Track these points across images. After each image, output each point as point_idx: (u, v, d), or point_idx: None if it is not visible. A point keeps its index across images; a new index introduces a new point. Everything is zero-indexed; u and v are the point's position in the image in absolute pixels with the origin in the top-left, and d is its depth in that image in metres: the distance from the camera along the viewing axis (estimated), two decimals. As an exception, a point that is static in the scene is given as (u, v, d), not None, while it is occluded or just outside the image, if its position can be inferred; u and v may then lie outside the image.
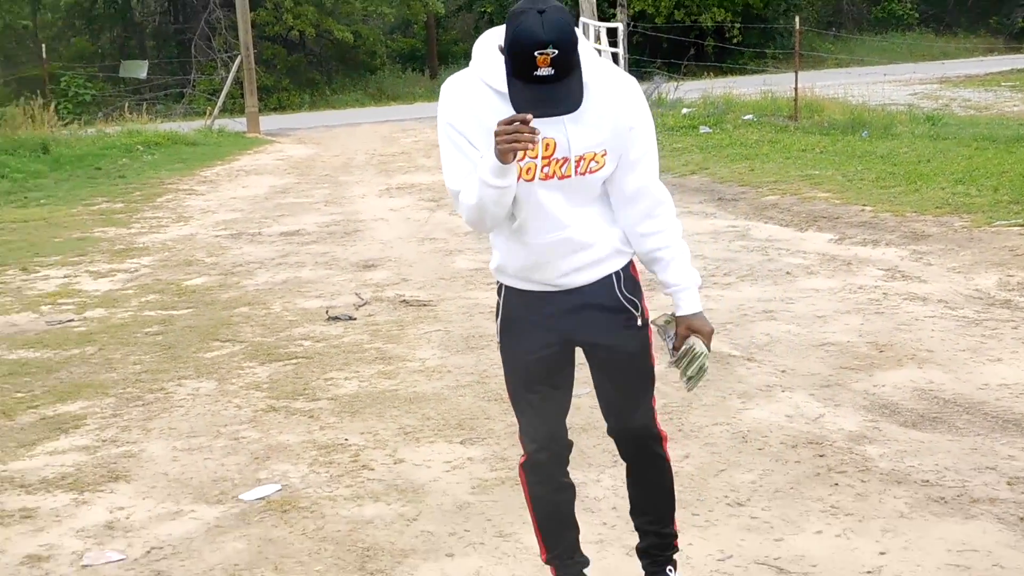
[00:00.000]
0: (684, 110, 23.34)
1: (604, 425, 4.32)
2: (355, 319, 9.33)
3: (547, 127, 3.79)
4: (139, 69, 37.42)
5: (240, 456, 6.42)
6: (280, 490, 5.90)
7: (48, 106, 25.21)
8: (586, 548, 4.51)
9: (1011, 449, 5.97)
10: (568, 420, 4.26)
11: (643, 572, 4.49)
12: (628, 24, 25.01)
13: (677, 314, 4.12)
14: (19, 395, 7.78)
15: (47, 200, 17.55)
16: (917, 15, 46.84)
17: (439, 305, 9.63)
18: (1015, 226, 11.19)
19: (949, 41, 42.19)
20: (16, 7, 45.00)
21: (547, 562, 4.43)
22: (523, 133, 3.61)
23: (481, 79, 3.88)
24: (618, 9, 24.46)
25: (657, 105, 24.26)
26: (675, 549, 4.50)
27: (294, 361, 8.24)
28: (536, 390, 4.14)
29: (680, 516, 5.23)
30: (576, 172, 3.88)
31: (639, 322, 4.12)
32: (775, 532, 5.12)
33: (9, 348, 9.02)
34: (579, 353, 4.17)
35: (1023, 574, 4.67)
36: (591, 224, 4.00)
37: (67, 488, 6.10)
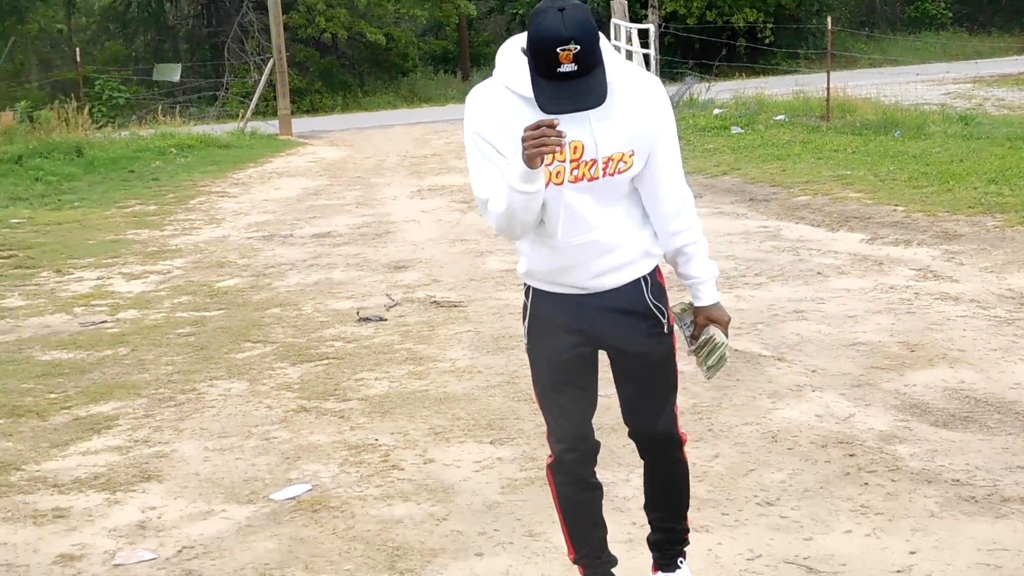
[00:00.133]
0: (716, 111, 23.29)
1: (632, 425, 4.34)
2: (386, 320, 9.36)
3: (574, 130, 3.82)
4: (172, 72, 37.62)
5: (271, 456, 6.46)
6: (311, 490, 5.93)
7: (82, 109, 25.35)
8: (614, 548, 4.51)
9: (1043, 449, 5.95)
10: (597, 420, 4.27)
11: (652, 561, 4.55)
12: (659, 25, 24.98)
13: (697, 304, 4.22)
14: (52, 396, 7.83)
15: (81, 202, 17.66)
16: (951, 14, 46.59)
17: (469, 306, 9.64)
18: (1048, 225, 11.14)
19: (983, 40, 41.92)
20: (51, 11, 45.33)
21: (575, 562, 4.44)
22: (550, 137, 3.64)
23: (505, 85, 3.90)
24: (649, 10, 24.42)
25: (689, 106, 24.24)
26: (686, 543, 4.55)
27: (325, 362, 8.27)
28: (564, 391, 4.17)
29: (709, 515, 5.27)
30: (605, 173, 3.90)
31: (665, 328, 4.17)
32: (804, 531, 5.11)
33: (43, 349, 9.08)
34: (601, 354, 4.19)
35: (1054, 574, 4.66)
36: (620, 226, 4.03)
37: (99, 488, 6.14)
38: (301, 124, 29.59)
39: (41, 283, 11.66)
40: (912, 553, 4.85)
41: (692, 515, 5.19)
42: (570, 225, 3.95)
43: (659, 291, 4.16)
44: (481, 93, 3.98)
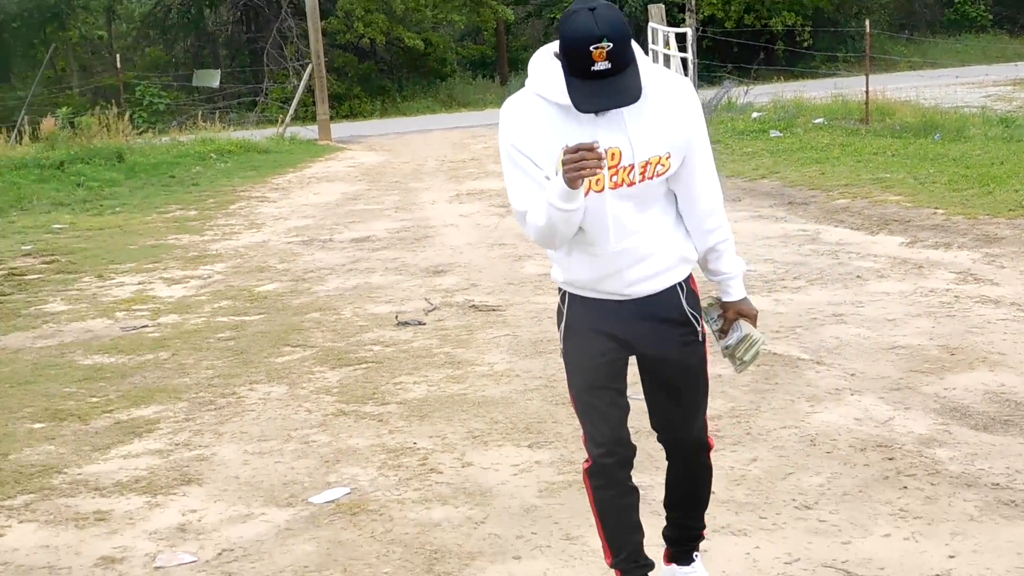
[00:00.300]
0: (754, 114, 23.24)
1: (673, 429, 4.37)
2: (424, 324, 9.39)
3: (610, 136, 3.87)
4: (212, 78, 37.82)
5: (310, 460, 6.49)
6: (349, 493, 5.96)
7: (123, 115, 25.52)
8: (651, 551, 4.51)
9: (1083, 452, 5.92)
10: (633, 423, 4.28)
11: (666, 552, 4.62)
12: (697, 29, 24.94)
13: (726, 299, 4.29)
14: (94, 400, 7.89)
15: (122, 208, 17.78)
16: (991, 17, 46.34)
17: (508, 310, 9.66)
18: (1090, 228, 11.07)
19: (1024, 42, 41.74)
20: (92, 18, 45.67)
21: (612, 566, 4.44)
22: (589, 160, 3.67)
23: (538, 94, 3.93)
24: (687, 14, 24.40)
25: (727, 109, 24.20)
26: (702, 538, 4.64)
27: (364, 366, 8.31)
28: (601, 395, 4.18)
29: (747, 519, 5.27)
30: (644, 177, 3.93)
31: (700, 336, 4.21)
32: (843, 535, 5.10)
33: (84, 353, 9.15)
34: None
35: (1094, 578, 4.63)
36: (658, 231, 4.06)
37: (140, 491, 6.19)
38: (340, 129, 29.70)
39: (83, 288, 11.75)
40: (951, 557, 4.84)
41: (730, 519, 5.24)
42: (610, 232, 3.98)
43: (694, 299, 4.21)
44: (515, 105, 4.01)
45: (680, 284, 4.15)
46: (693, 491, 4.51)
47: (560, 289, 4.26)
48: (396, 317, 9.64)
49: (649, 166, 3.93)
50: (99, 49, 45.22)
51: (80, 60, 44.67)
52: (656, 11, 24.79)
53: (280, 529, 5.59)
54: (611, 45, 3.63)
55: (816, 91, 25.29)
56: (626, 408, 4.24)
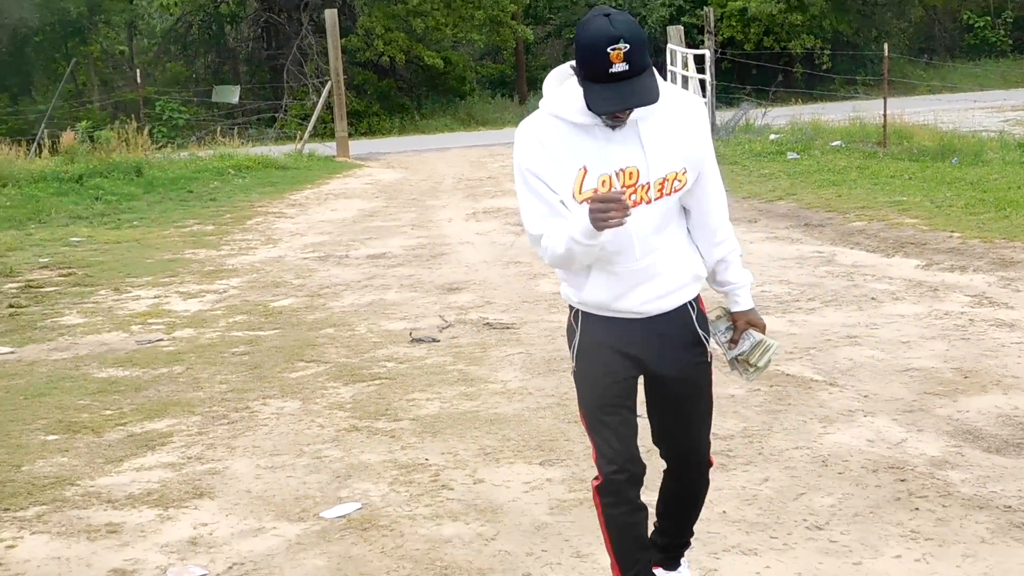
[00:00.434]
0: (772, 136, 23.25)
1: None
2: (438, 341, 9.40)
3: (626, 155, 3.92)
4: (231, 94, 37.92)
5: (322, 474, 6.50)
6: (360, 508, 5.96)
7: (142, 130, 25.61)
8: (661, 569, 4.52)
9: (1096, 477, 5.90)
10: (640, 441, 4.28)
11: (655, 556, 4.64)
12: (716, 51, 24.96)
13: (735, 310, 4.34)
14: (108, 412, 7.91)
15: (140, 222, 17.85)
16: (1010, 41, 46.31)
17: (522, 328, 9.67)
18: (1107, 253, 11.04)
19: (1043, 68, 41.70)
20: (113, 33, 45.90)
21: (622, 583, 4.46)
22: (616, 212, 3.73)
23: (552, 114, 3.97)
24: (706, 36, 24.40)
25: (744, 131, 24.21)
26: (689, 545, 4.71)
27: (377, 382, 8.32)
28: (614, 413, 4.20)
29: (758, 539, 5.27)
30: (661, 194, 3.99)
31: (708, 357, 4.28)
32: (853, 556, 5.09)
33: (99, 366, 9.18)
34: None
35: (1105, 602, 4.62)
36: (673, 248, 4.12)
37: (152, 504, 6.20)
38: (358, 146, 29.78)
39: (99, 301, 11.79)
40: (962, 580, 4.83)
41: (741, 539, 5.24)
42: (632, 250, 4.03)
43: (703, 319, 4.27)
44: (529, 127, 4.04)
45: (691, 303, 4.21)
46: (690, 504, 4.57)
47: (570, 306, 4.28)
48: (410, 334, 9.65)
49: (666, 183, 3.98)
50: (120, 64, 45.46)
51: (101, 75, 44.89)
52: (675, 32, 24.83)
53: (291, 543, 5.59)
54: (628, 46, 3.68)
55: (834, 114, 25.27)
56: (636, 426, 4.26)
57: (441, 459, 6.62)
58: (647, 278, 4.06)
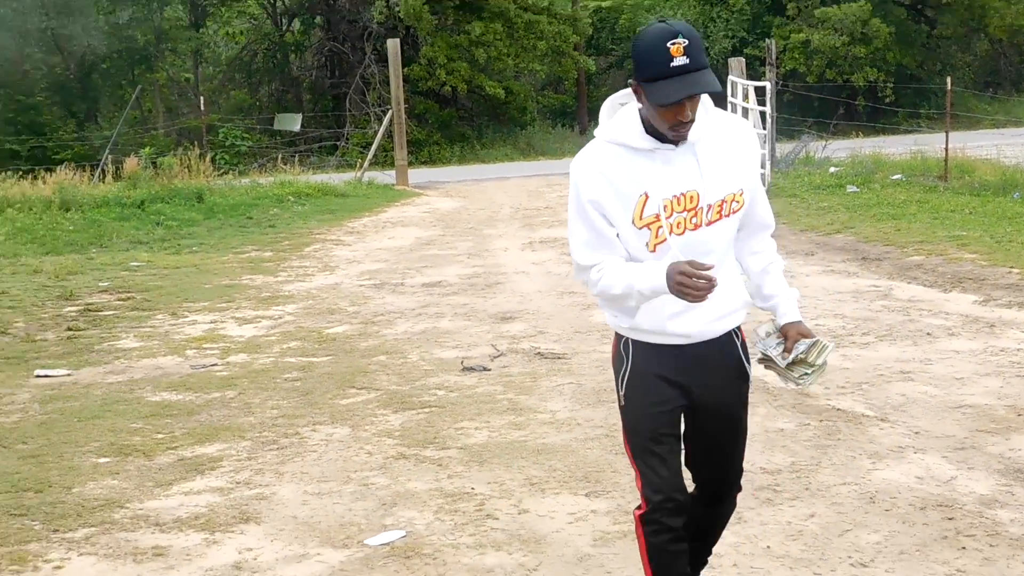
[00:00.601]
0: (831, 169, 23.16)
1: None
2: (489, 370, 9.41)
3: (686, 179, 4.00)
4: (292, 122, 38.25)
5: (368, 502, 6.51)
6: (405, 536, 5.97)
7: (204, 156, 25.86)
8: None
9: None
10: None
11: None
12: (777, 83, 24.89)
13: (785, 322, 4.33)
14: (159, 436, 7.97)
15: (199, 247, 18.01)
16: (1077, 76, 45.96)
17: (573, 358, 9.66)
18: None
19: (1110, 102, 41.30)
20: (179, 60, 46.40)
21: (661, 613, 4.45)
22: (703, 289, 3.84)
23: (610, 141, 4.04)
24: (767, 68, 24.35)
25: (804, 163, 24.13)
26: (706, 563, 4.79)
27: (427, 410, 8.34)
28: (663, 442, 4.24)
29: (802, 575, 5.22)
30: (721, 216, 4.06)
31: (750, 387, 4.38)
32: (897, 594, 5.05)
33: (154, 390, 9.25)
34: None
35: None
36: (727, 272, 4.19)
37: (199, 528, 6.24)
38: (418, 175, 29.89)
39: (156, 325, 11.89)
40: (1007, 620, 4.77)
41: (784, 574, 5.21)
42: None
43: (745, 349, 4.33)
44: (589, 158, 4.11)
45: (736, 331, 4.28)
46: (716, 526, 4.65)
47: (619, 335, 4.29)
48: (462, 362, 9.67)
49: (725, 204, 4.07)
50: (185, 91, 45.93)
51: (167, 102, 45.37)
52: (736, 64, 24.77)
53: (334, 570, 5.61)
54: (687, 41, 3.80)
55: (895, 147, 25.14)
56: (680, 455, 4.29)
57: (487, 488, 6.62)
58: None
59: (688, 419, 4.31)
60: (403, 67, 30.78)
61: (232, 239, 18.95)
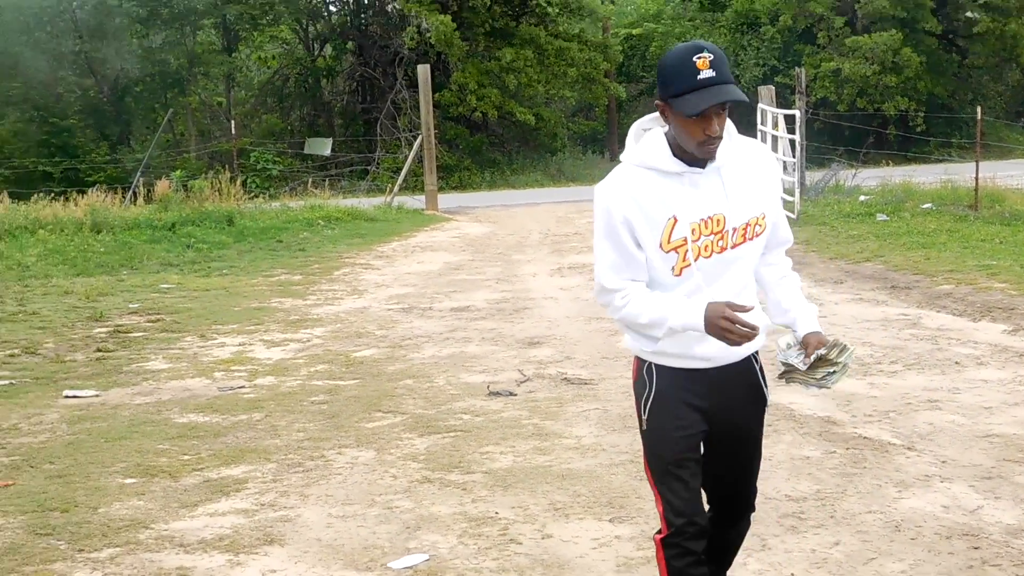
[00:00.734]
0: (861, 197, 23.13)
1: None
2: (515, 395, 9.41)
3: (712, 202, 4.06)
4: (323, 147, 38.42)
5: (392, 525, 6.52)
6: (428, 560, 5.97)
7: (235, 180, 26.00)
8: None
9: None
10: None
11: None
12: (807, 111, 24.87)
13: (807, 332, 4.31)
14: (186, 457, 8.00)
15: (229, 270, 18.08)
16: (1110, 106, 45.77)
17: (600, 384, 9.66)
18: None
19: None
20: (212, 84, 46.63)
21: (682, 638, 4.45)
22: (744, 336, 3.96)
23: (639, 164, 4.11)
24: (797, 96, 24.34)
25: (834, 192, 24.09)
26: None
27: (452, 434, 8.34)
28: (687, 466, 4.26)
29: (824, 603, 5.19)
30: (745, 239, 4.11)
31: (766, 408, 4.43)
32: (921, 623, 5.02)
33: (181, 412, 9.28)
34: None
35: None
36: (750, 294, 4.25)
37: (223, 549, 6.25)
38: (448, 200, 29.97)
39: (185, 347, 11.94)
40: (1032, 651, 4.75)
41: (806, 602, 5.17)
42: (719, 295, 4.11)
43: (763, 373, 4.36)
44: (620, 182, 4.16)
45: (756, 355, 4.33)
46: (732, 548, 4.66)
47: (644, 361, 4.31)
48: (488, 387, 9.68)
49: (749, 227, 4.11)
50: (217, 115, 46.12)
51: (199, 125, 45.58)
52: (766, 92, 24.76)
53: (357, 592, 5.62)
54: (712, 56, 3.89)
55: (925, 176, 25.08)
56: (701, 479, 4.30)
57: (511, 513, 6.62)
58: None
59: (706, 442, 4.31)
60: (434, 93, 30.90)
61: (262, 262, 19.02)
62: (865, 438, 7.78)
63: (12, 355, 11.59)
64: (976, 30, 43.34)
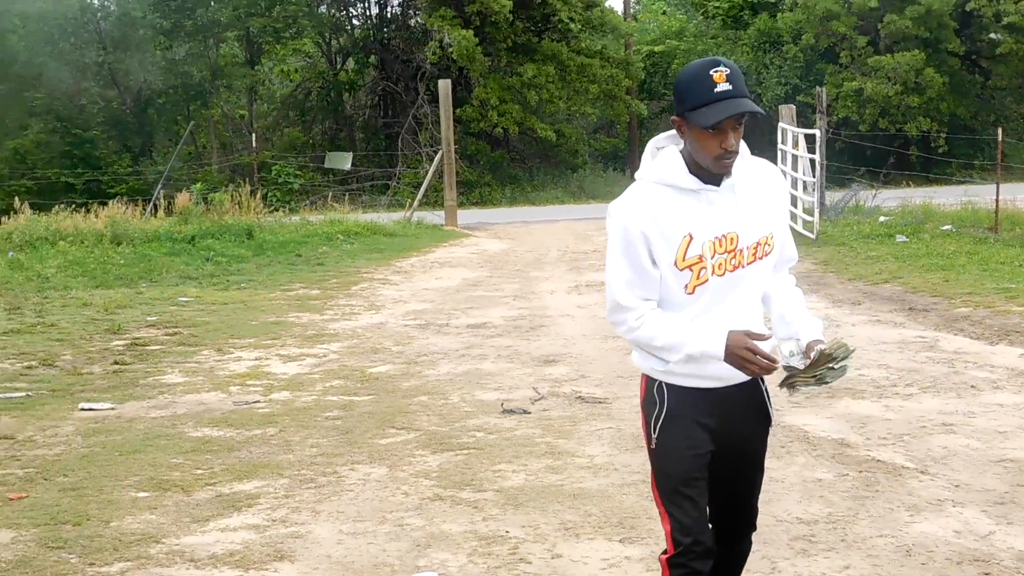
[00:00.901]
0: (881, 218, 23.08)
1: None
2: (529, 413, 9.41)
3: (726, 220, 4.09)
4: (343, 161, 38.52)
5: (402, 542, 6.52)
6: (437, 578, 5.98)
7: (255, 193, 26.07)
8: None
9: None
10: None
11: None
12: (828, 131, 24.85)
13: (810, 339, 4.28)
14: (199, 472, 8.02)
15: (247, 284, 18.13)
16: None
17: (614, 403, 9.66)
18: None
19: None
20: (234, 98, 46.82)
21: (689, 658, 4.45)
22: (762, 368, 4.03)
23: (656, 181, 4.14)
24: (818, 116, 24.32)
25: (854, 212, 24.05)
26: None
27: (465, 451, 8.35)
28: (695, 485, 4.28)
29: (832, 627, 5.18)
30: (756, 258, 4.14)
31: (778, 433, 4.33)
32: (930, 650, 5.01)
33: (195, 426, 9.31)
34: None
35: None
36: (758, 314, 4.28)
37: (233, 565, 6.26)
38: (467, 216, 30.01)
39: (201, 361, 11.97)
40: None
41: (814, 626, 5.15)
42: (728, 313, 4.14)
43: (768, 393, 4.39)
44: (634, 199, 4.18)
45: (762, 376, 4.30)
46: (736, 567, 4.63)
47: (650, 378, 4.31)
48: (502, 405, 9.68)
49: (759, 247, 4.15)
50: (239, 128, 46.30)
51: (221, 138, 45.75)
52: (787, 111, 24.78)
53: (365, 610, 5.62)
54: (728, 70, 3.94)
55: (946, 197, 25.03)
56: (706, 499, 4.33)
57: (521, 532, 6.62)
58: None
59: (711, 461, 4.31)
60: (455, 108, 30.97)
61: (280, 276, 19.08)
62: (878, 461, 7.76)
63: (29, 367, 11.64)
64: (999, 51, 43.22)
